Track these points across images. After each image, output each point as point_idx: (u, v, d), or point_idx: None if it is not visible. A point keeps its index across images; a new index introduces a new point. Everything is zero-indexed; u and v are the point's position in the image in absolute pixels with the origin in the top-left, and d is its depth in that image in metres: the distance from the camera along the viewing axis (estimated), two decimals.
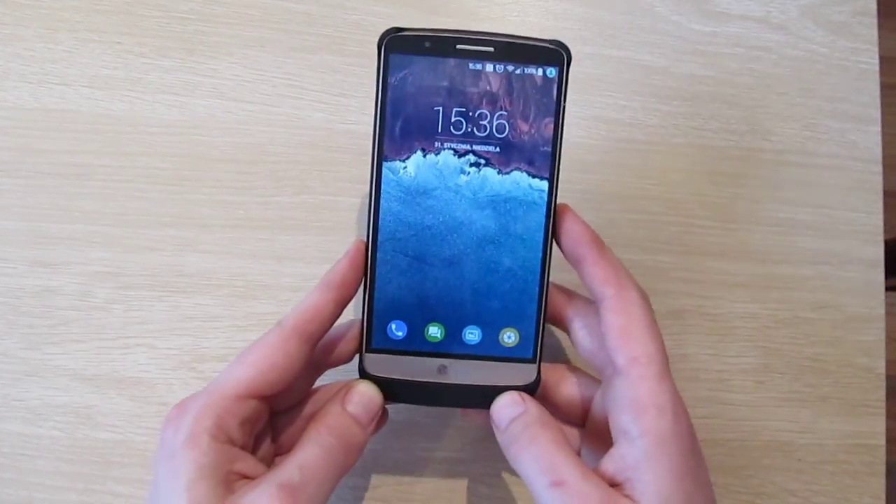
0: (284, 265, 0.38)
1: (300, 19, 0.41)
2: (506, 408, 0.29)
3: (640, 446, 0.26)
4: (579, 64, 0.41)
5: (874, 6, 0.43)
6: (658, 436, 0.26)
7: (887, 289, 0.40)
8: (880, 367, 0.39)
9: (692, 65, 0.42)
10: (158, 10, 0.40)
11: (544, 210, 0.30)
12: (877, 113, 0.42)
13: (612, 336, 0.28)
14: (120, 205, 0.39)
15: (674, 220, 0.40)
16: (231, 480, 0.26)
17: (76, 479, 0.36)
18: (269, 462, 0.29)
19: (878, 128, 0.41)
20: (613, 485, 0.27)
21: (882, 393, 0.39)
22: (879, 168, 0.41)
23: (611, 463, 0.27)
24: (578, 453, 0.32)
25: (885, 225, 0.40)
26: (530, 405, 0.29)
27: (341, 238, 0.39)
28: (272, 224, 0.39)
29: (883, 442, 0.39)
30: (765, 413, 0.39)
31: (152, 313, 0.38)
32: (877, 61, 0.42)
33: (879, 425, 0.39)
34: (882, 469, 0.38)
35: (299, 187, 0.39)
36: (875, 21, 0.42)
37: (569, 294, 0.32)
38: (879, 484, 0.38)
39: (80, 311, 0.38)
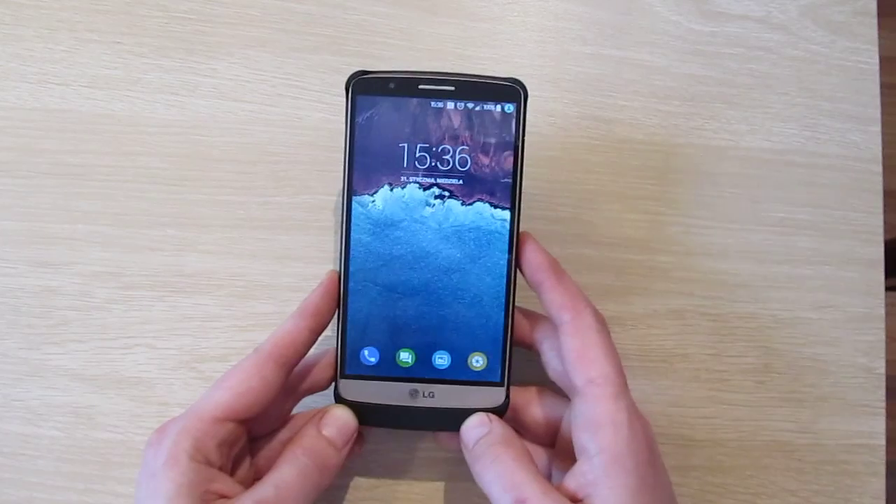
0: (284, 265, 0.38)
1: (300, 19, 0.41)
2: (473, 429, 0.31)
3: (598, 463, 0.27)
4: (579, 64, 0.41)
5: (874, 6, 0.43)
6: (614, 453, 0.27)
7: (887, 289, 0.40)
8: (880, 367, 0.39)
9: (692, 65, 0.42)
10: (158, 10, 0.40)
11: (507, 238, 0.31)
12: (877, 113, 0.42)
13: (570, 359, 0.30)
14: (120, 205, 0.39)
15: (674, 220, 0.40)
16: (208, 499, 0.27)
17: (76, 479, 0.36)
18: (249, 484, 0.30)
19: (878, 128, 0.41)
20: (575, 501, 0.28)
21: (882, 393, 0.39)
22: (879, 168, 0.41)
23: (573, 480, 0.28)
24: (549, 471, 0.33)
25: (885, 225, 0.40)
26: (495, 425, 0.31)
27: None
28: (272, 224, 0.39)
29: (883, 442, 0.39)
30: (765, 413, 0.39)
31: (152, 313, 0.38)
32: (877, 61, 0.42)
33: (879, 425, 0.39)
34: (882, 469, 0.38)
35: (299, 187, 0.39)
36: (875, 21, 0.42)
37: (536, 318, 0.33)
38: (879, 484, 0.38)
39: (80, 311, 0.38)
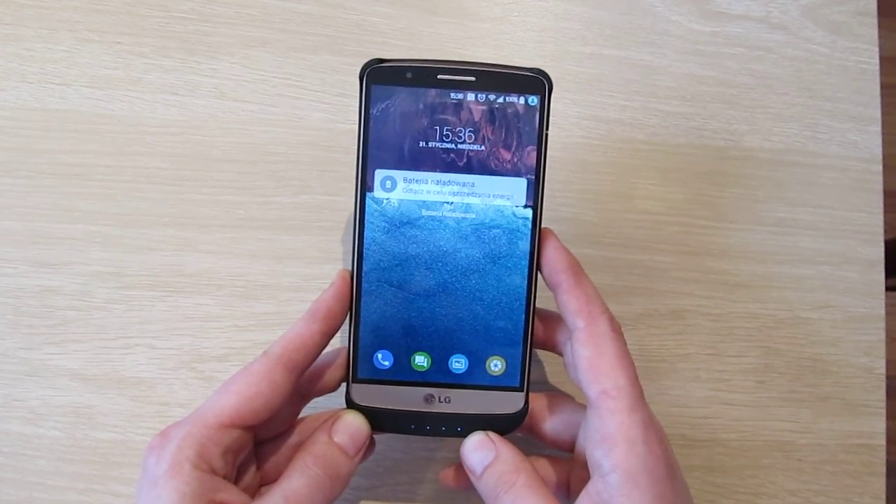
0: (284, 265, 0.38)
1: (300, 19, 0.41)
2: (476, 452, 0.30)
3: (612, 482, 0.26)
4: (579, 64, 0.41)
5: (874, 6, 0.43)
6: (628, 470, 0.26)
7: (887, 289, 0.40)
8: (880, 367, 0.39)
9: (692, 65, 0.42)
10: (158, 10, 0.40)
11: (528, 238, 0.30)
12: (877, 113, 0.42)
13: (582, 369, 0.28)
14: (120, 205, 0.39)
15: (674, 220, 0.40)
16: None
17: (76, 479, 0.36)
18: (254, 491, 0.29)
19: (878, 128, 0.41)
20: None
21: (882, 393, 0.39)
22: (879, 168, 0.41)
23: (587, 499, 0.27)
24: (567, 480, 0.32)
25: (885, 225, 0.40)
26: (501, 449, 0.29)
27: (341, 238, 0.39)
28: (272, 224, 0.39)
29: (883, 442, 0.39)
30: (765, 413, 0.39)
31: (152, 313, 0.38)
32: (877, 61, 0.42)
33: (879, 425, 0.39)
34: (882, 469, 0.38)
35: (299, 187, 0.39)
36: (875, 21, 0.42)
37: (557, 318, 0.32)
38: (879, 484, 0.38)
39: (80, 311, 0.38)
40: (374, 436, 0.31)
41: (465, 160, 0.29)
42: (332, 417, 0.30)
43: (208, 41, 0.40)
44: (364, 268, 0.30)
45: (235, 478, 0.28)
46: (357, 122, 0.29)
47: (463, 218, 0.30)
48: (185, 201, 0.39)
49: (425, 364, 0.30)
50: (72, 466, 0.36)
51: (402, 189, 0.30)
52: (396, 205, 0.30)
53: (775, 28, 0.42)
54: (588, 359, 0.28)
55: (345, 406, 0.31)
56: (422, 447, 0.37)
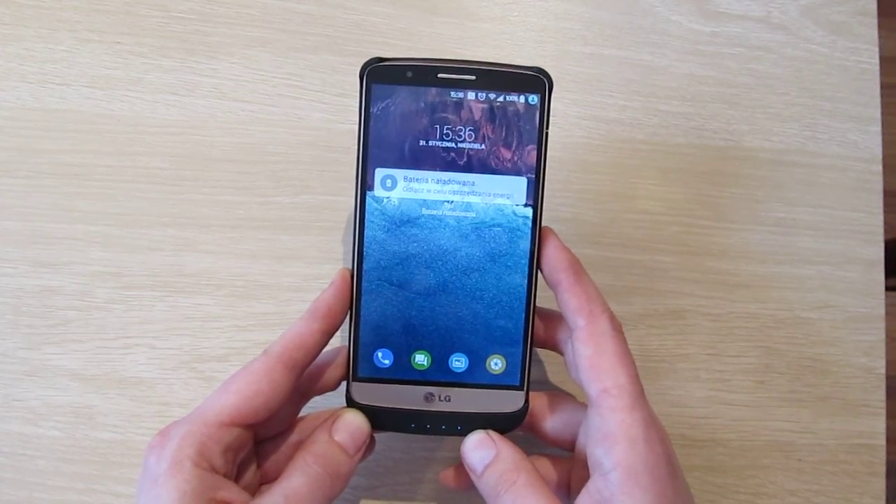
0: (284, 265, 0.38)
1: (300, 19, 0.41)
2: (476, 451, 0.30)
3: (613, 480, 0.26)
4: (579, 64, 0.41)
5: (874, 6, 0.43)
6: (629, 468, 0.26)
7: (887, 289, 0.40)
8: (880, 367, 0.39)
9: (692, 65, 0.42)
10: (158, 10, 0.40)
11: (529, 237, 0.30)
12: (877, 113, 0.42)
13: (583, 367, 0.29)
14: (120, 205, 0.39)
15: (674, 220, 0.40)
16: None
17: (76, 479, 0.36)
18: (255, 490, 0.29)
19: (878, 128, 0.41)
20: None
21: (882, 393, 0.39)
22: (879, 168, 0.41)
23: (587, 497, 0.27)
24: (568, 480, 0.32)
25: (885, 225, 0.41)
26: (502, 448, 0.29)
27: (341, 238, 0.39)
28: (272, 224, 0.39)
29: (883, 442, 0.39)
30: (765, 413, 0.39)
31: (152, 313, 0.38)
32: (877, 61, 0.42)
33: (879, 425, 0.39)
34: (882, 469, 0.38)
35: (299, 187, 0.39)
36: (875, 21, 0.42)
37: (557, 317, 0.32)
38: (879, 484, 0.38)
39: (80, 311, 0.38)
40: (374, 435, 0.31)
41: (465, 159, 0.29)
42: (332, 416, 0.30)
43: (208, 41, 0.40)
44: (364, 266, 0.30)
45: (236, 476, 0.28)
46: (357, 120, 0.29)
47: (463, 217, 0.30)
48: (185, 201, 0.39)
49: (425, 363, 0.30)
50: (72, 466, 0.36)
51: (402, 188, 0.30)
52: (397, 203, 0.30)
53: (775, 28, 0.42)
54: (589, 357, 0.28)
55: (345, 405, 0.31)
56: (422, 447, 0.37)
